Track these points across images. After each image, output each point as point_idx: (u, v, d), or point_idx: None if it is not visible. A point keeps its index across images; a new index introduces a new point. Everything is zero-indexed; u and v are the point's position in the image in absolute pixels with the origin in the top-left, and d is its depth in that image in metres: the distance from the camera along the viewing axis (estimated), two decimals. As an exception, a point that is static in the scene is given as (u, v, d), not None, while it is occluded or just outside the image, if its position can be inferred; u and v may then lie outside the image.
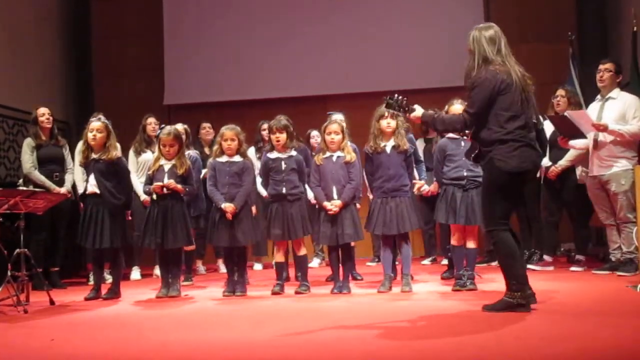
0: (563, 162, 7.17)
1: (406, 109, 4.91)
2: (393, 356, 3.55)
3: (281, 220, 6.18)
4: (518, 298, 4.58)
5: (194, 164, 6.78)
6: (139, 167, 7.79)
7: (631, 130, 6.42)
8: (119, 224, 6.32)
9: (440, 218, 6.20)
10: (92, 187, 6.29)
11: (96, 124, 6.33)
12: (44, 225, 7.20)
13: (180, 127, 6.97)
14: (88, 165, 6.36)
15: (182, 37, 10.90)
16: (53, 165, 7.41)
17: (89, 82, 11.02)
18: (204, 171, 7.38)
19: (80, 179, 7.35)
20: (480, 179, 5.81)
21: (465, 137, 5.18)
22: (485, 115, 4.64)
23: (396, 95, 4.93)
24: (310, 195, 6.58)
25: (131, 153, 7.90)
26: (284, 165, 6.24)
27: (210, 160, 6.48)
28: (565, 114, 6.57)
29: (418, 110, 4.89)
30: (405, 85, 9.13)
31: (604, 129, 6.40)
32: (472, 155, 4.84)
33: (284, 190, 6.19)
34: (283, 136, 6.24)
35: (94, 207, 6.27)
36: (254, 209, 6.85)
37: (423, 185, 6.52)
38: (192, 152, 7.27)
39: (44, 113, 7.43)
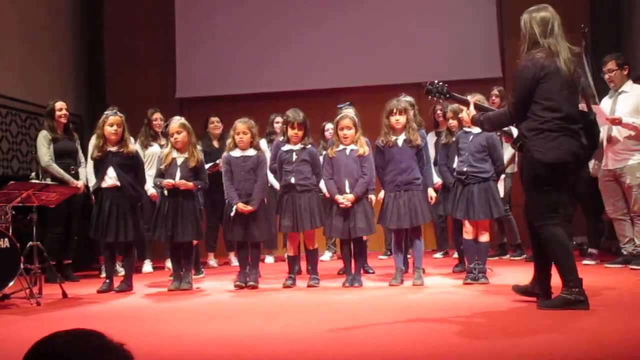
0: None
1: (447, 95, 4.86)
2: (404, 350, 3.54)
3: (291, 211, 6.18)
4: (576, 294, 4.30)
5: None
6: (147, 160, 7.76)
7: (645, 122, 6.37)
8: (139, 216, 6.41)
9: (447, 210, 6.31)
10: (112, 179, 6.30)
11: (115, 118, 6.33)
12: (60, 218, 7.21)
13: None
14: (104, 159, 6.35)
15: (194, 30, 10.90)
16: (68, 159, 7.40)
17: (102, 76, 11.04)
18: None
19: (91, 172, 7.36)
20: (482, 175, 5.91)
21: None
22: (528, 103, 4.45)
23: (436, 81, 4.88)
24: (322, 187, 6.57)
25: (137, 147, 7.86)
26: (294, 157, 6.24)
27: (225, 154, 6.48)
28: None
29: (472, 110, 4.82)
30: (415, 78, 8.99)
31: (618, 122, 6.35)
32: (518, 145, 4.64)
33: (292, 180, 6.19)
34: (302, 132, 6.25)
35: (112, 201, 6.28)
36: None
37: (432, 197, 6.43)
38: None
39: (61, 107, 7.41)
